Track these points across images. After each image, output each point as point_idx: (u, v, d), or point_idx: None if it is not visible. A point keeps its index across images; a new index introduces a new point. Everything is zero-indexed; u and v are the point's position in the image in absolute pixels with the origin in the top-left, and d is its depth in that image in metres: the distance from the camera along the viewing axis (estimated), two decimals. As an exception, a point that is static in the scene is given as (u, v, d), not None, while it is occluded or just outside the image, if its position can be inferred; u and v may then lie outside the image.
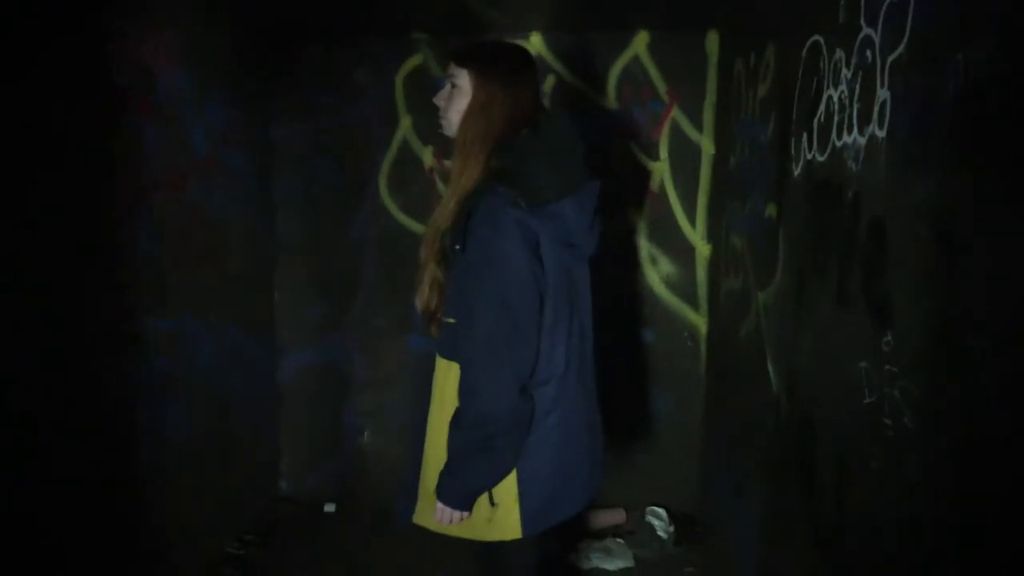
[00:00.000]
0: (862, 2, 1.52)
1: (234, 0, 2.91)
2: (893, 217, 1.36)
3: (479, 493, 1.72)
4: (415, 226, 3.53)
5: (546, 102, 3.36)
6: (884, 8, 1.41)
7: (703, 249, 3.40)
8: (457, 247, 1.67)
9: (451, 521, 1.73)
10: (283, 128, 3.55)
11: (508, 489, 1.73)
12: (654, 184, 3.41)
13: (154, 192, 2.63)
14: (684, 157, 3.38)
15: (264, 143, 3.49)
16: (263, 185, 3.49)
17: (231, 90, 3.15)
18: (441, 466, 1.73)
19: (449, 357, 1.75)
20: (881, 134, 1.41)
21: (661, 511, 3.35)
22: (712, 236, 3.33)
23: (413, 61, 3.46)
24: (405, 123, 3.50)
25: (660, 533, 3.26)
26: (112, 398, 2.43)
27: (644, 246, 3.44)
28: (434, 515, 1.75)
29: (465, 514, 1.73)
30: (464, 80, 1.76)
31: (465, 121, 1.75)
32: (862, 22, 1.52)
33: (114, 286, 2.44)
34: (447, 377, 1.75)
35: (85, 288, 2.29)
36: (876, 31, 1.45)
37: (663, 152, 3.38)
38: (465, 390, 1.66)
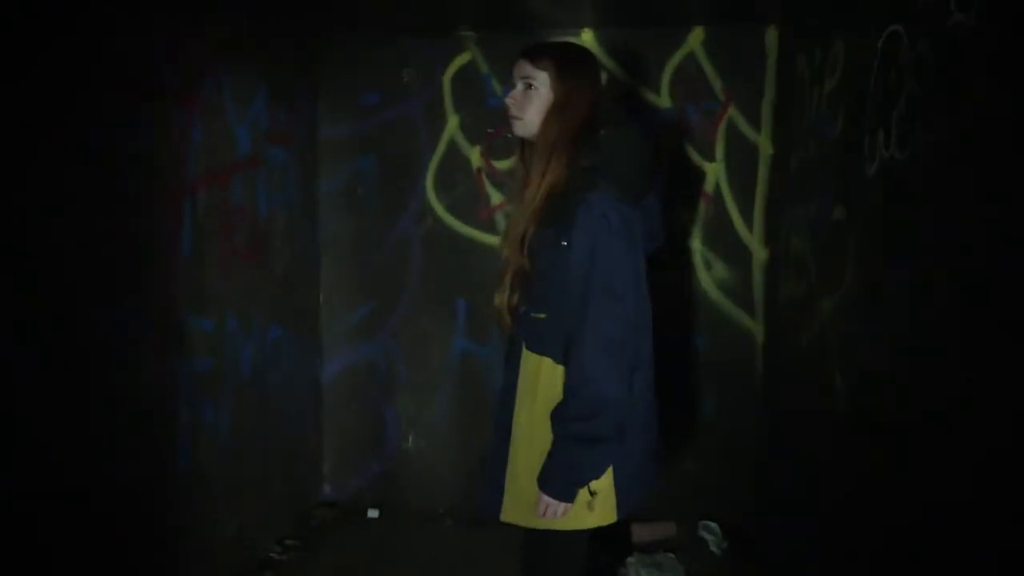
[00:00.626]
0: (953, -15, 1.40)
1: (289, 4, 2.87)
2: (990, 221, 1.24)
3: (587, 483, 1.74)
4: (462, 227, 3.46)
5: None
6: (981, -10, 1.28)
7: (760, 253, 3.27)
8: (564, 243, 1.71)
9: (556, 514, 1.74)
10: (329, 126, 3.51)
11: (607, 474, 1.77)
12: (709, 185, 3.29)
13: (198, 190, 2.60)
14: (741, 157, 3.25)
15: (309, 141, 3.46)
16: (308, 184, 3.46)
17: (276, 88, 3.12)
18: (534, 461, 1.76)
19: (540, 352, 1.79)
20: (975, 128, 1.28)
21: (714, 525, 3.22)
22: (770, 239, 3.19)
23: (461, 59, 3.40)
24: (452, 123, 3.43)
25: (713, 548, 3.14)
26: (152, 398, 2.40)
27: (698, 249, 3.32)
28: (535, 510, 1.75)
29: (569, 505, 1.74)
30: (543, 81, 1.81)
31: (547, 121, 1.81)
32: (952, 7, 1.40)
33: (155, 285, 2.41)
34: (538, 372, 1.79)
35: (126, 286, 2.27)
36: (970, 16, 1.33)
37: (719, 152, 3.26)
38: (576, 381, 1.69)
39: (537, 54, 1.83)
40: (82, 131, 2.07)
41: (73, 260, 2.04)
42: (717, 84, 3.23)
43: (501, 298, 1.87)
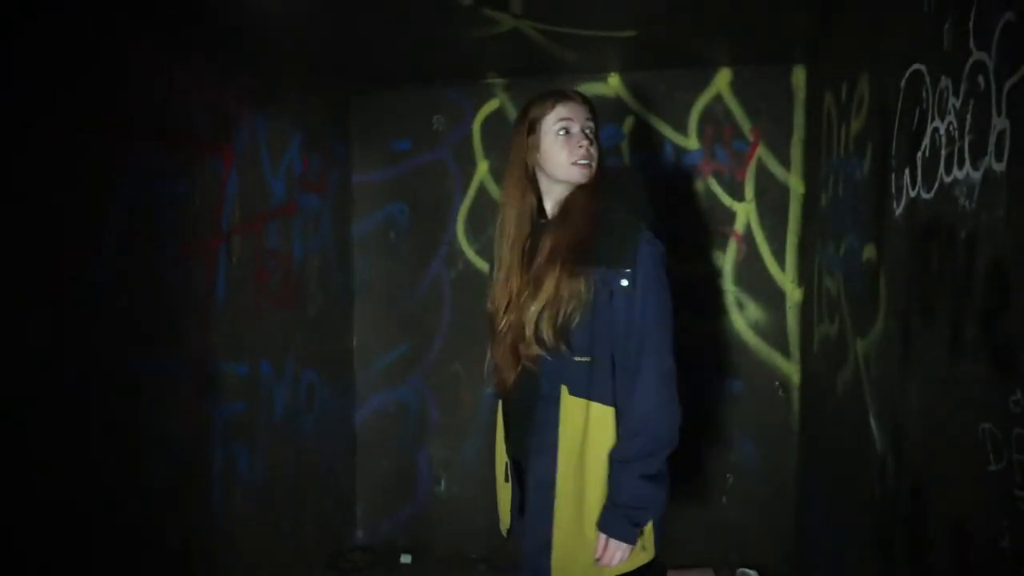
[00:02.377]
0: (971, 24, 1.39)
1: (312, 50, 2.95)
2: (1017, 258, 1.21)
3: (648, 522, 1.76)
4: (492, 270, 3.47)
5: (624, 144, 3.30)
6: (999, 29, 1.27)
7: (794, 293, 3.22)
8: (625, 282, 1.72)
9: (622, 558, 1.73)
10: (361, 173, 3.58)
11: None
12: (739, 226, 3.26)
13: (233, 236, 2.66)
14: (771, 197, 3.23)
15: (342, 187, 3.53)
16: (341, 229, 3.52)
17: (310, 136, 3.20)
18: (589, 510, 1.75)
19: (586, 396, 1.76)
20: (1000, 167, 1.26)
21: (753, 573, 3.13)
22: (803, 279, 3.15)
23: (490, 106, 3.45)
24: (482, 167, 3.47)
25: (751, 597, 3.05)
26: (187, 442, 2.43)
27: (730, 290, 3.28)
28: (600, 557, 1.73)
29: (632, 547, 1.74)
30: (594, 129, 1.87)
31: (600, 166, 1.88)
32: (972, 46, 1.39)
33: (190, 330, 2.45)
34: (586, 418, 1.76)
35: (161, 332, 2.31)
36: (989, 55, 1.31)
37: (748, 192, 3.24)
38: (639, 419, 1.71)
39: (590, 103, 1.88)
40: (119, 179, 2.14)
41: (108, 305, 2.10)
42: (745, 124, 3.23)
43: (546, 324, 1.75)
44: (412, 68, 3.27)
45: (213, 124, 2.57)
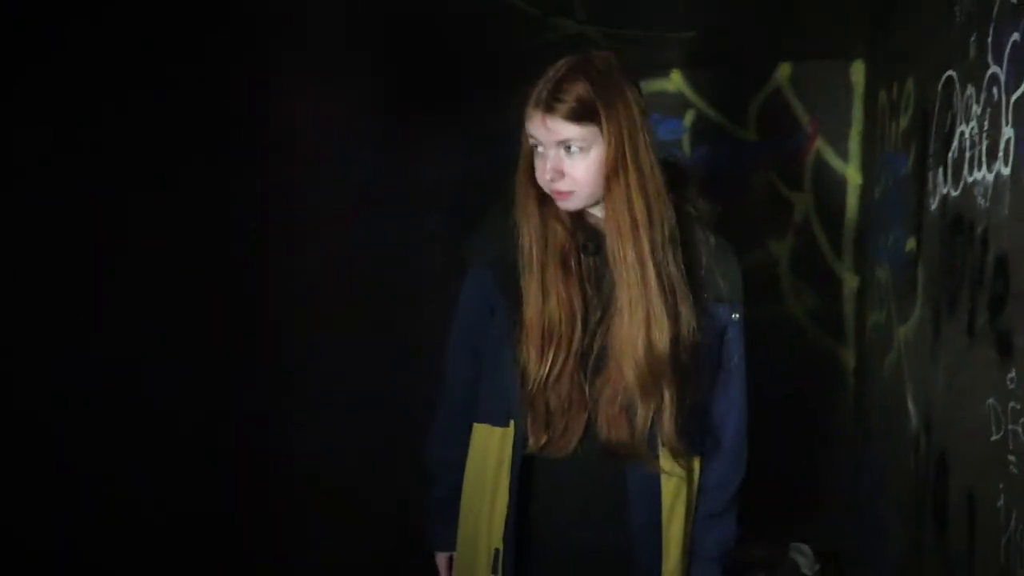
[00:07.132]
0: (989, 40, 1.53)
1: (397, 53, 3.15)
2: (1016, 253, 1.36)
3: None
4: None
5: (686, 138, 3.45)
6: (1008, 47, 1.41)
7: (850, 281, 3.33)
8: (736, 315, 1.57)
9: None
10: (435, 168, 3.76)
11: None
12: (797, 215, 3.38)
13: (313, 233, 2.81)
14: (829, 188, 3.33)
15: (416, 184, 3.62)
16: (415, 225, 3.63)
17: (386, 133, 3.31)
18: None
19: (687, 455, 1.53)
20: (1006, 171, 1.41)
21: (806, 547, 3.27)
22: (860, 268, 3.25)
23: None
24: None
25: (805, 571, 3.19)
26: (256, 436, 2.50)
27: (786, 277, 3.41)
28: None
29: None
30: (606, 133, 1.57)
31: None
32: (989, 60, 1.52)
33: (269, 326, 2.59)
34: (680, 484, 1.54)
35: (242, 329, 2.44)
36: (1001, 69, 1.45)
37: (806, 183, 3.36)
38: (735, 466, 1.64)
39: (572, 108, 1.45)
40: (203, 185, 2.26)
41: (192, 308, 2.22)
42: (804, 117, 3.34)
43: (623, 429, 1.43)
44: (486, 68, 3.44)
45: (296, 124, 2.68)
